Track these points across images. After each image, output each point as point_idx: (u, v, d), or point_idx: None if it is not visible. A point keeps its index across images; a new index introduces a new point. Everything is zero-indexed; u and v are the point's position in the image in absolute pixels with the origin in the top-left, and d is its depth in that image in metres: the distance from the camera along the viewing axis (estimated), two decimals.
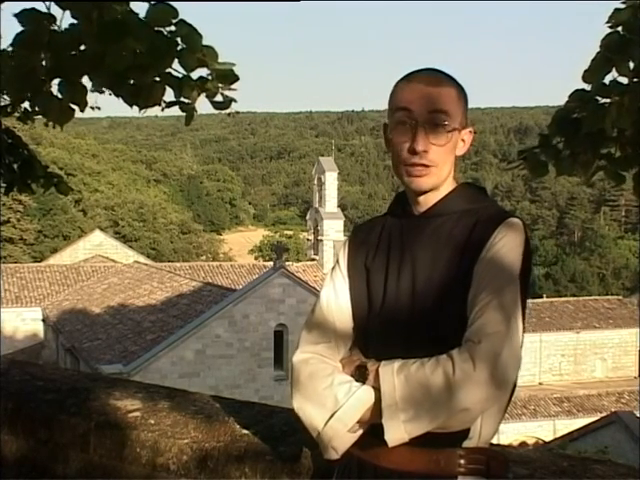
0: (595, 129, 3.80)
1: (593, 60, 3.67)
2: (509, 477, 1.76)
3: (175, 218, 71.71)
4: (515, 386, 1.68)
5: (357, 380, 1.67)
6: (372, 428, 1.65)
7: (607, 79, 3.71)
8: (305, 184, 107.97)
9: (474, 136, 1.80)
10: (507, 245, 1.63)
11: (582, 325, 36.61)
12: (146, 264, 33.22)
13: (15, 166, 5.47)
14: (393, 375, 1.59)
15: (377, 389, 1.62)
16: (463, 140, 1.75)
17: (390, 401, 1.58)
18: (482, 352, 1.54)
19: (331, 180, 35.69)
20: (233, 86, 3.41)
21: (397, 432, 1.58)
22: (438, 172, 1.70)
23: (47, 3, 3.16)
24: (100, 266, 34.23)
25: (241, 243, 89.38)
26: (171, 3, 3.19)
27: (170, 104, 3.48)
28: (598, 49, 3.67)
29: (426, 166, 1.68)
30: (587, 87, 3.83)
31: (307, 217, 39.06)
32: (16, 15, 3.13)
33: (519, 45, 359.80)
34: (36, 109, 3.62)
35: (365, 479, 1.69)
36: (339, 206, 37.05)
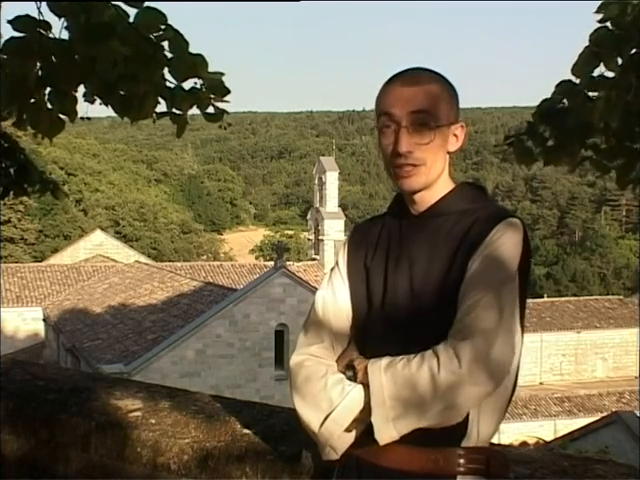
0: (583, 122, 3.82)
1: (581, 54, 3.68)
2: (509, 477, 1.76)
3: (176, 218, 71.78)
4: (515, 386, 1.68)
5: (348, 378, 1.68)
6: (370, 427, 1.66)
7: (595, 73, 3.73)
8: (306, 184, 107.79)
9: (467, 132, 1.79)
10: (504, 244, 1.62)
11: (583, 325, 36.61)
12: (147, 264, 33.23)
13: (11, 170, 5.45)
14: (381, 373, 1.60)
15: (368, 386, 1.63)
16: (455, 135, 1.74)
17: (379, 400, 1.59)
18: (468, 349, 1.54)
19: (332, 180, 35.69)
20: (225, 98, 3.40)
21: (386, 430, 1.59)
22: (427, 171, 1.70)
23: (39, 4, 3.14)
24: (101, 266, 34.25)
25: (242, 243, 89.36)
26: (161, 8, 3.15)
27: (161, 115, 3.47)
28: (586, 44, 3.69)
29: (413, 165, 1.68)
30: (574, 79, 3.85)
31: (308, 217, 39.07)
32: (10, 22, 3.09)
33: (520, 45, 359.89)
34: (25, 119, 3.53)
35: (364, 479, 1.69)
36: (340, 206, 37.05)
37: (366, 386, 1.63)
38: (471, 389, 1.54)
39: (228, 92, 3.36)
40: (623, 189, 4.27)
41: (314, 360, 1.74)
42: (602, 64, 3.66)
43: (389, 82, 1.74)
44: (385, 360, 1.62)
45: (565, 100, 3.93)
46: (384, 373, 1.60)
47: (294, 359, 1.78)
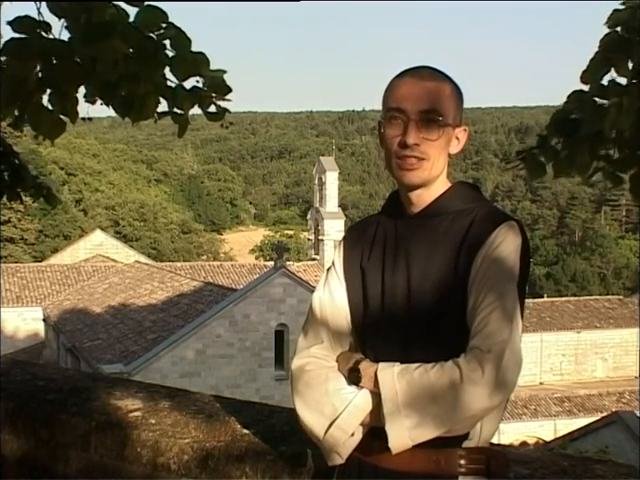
0: (594, 131, 3.79)
1: (592, 60, 3.66)
2: (510, 477, 1.76)
3: (176, 218, 71.82)
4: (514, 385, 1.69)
5: (350, 383, 1.67)
6: (371, 429, 1.66)
7: (605, 80, 3.71)
8: (306, 184, 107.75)
9: (469, 134, 1.79)
10: (507, 248, 1.63)
11: (583, 325, 36.62)
12: (147, 264, 33.22)
13: (5, 174, 5.43)
14: (394, 380, 1.59)
15: (375, 392, 1.62)
16: (457, 138, 1.74)
17: (393, 408, 1.58)
18: (490, 360, 1.55)
19: (332, 180, 35.72)
20: (227, 96, 3.39)
21: (401, 439, 1.58)
22: (430, 166, 1.69)
23: (38, 4, 3.13)
24: (101, 266, 34.24)
25: (242, 243, 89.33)
26: (161, 6, 3.14)
27: (162, 114, 3.46)
28: (597, 49, 3.67)
29: (418, 159, 1.68)
30: (585, 88, 3.82)
31: (308, 217, 39.10)
32: (10, 23, 3.07)
33: (520, 45, 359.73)
34: (25, 121, 3.51)
35: (366, 479, 1.69)
36: (340, 206, 37.08)
37: (373, 392, 1.63)
38: (492, 399, 1.56)
39: (230, 90, 3.34)
40: (637, 200, 4.23)
41: (316, 363, 1.74)
42: (612, 70, 3.64)
43: (401, 77, 1.72)
44: (397, 367, 1.61)
45: (577, 110, 3.91)
46: (398, 380, 1.59)
47: (295, 363, 1.77)
